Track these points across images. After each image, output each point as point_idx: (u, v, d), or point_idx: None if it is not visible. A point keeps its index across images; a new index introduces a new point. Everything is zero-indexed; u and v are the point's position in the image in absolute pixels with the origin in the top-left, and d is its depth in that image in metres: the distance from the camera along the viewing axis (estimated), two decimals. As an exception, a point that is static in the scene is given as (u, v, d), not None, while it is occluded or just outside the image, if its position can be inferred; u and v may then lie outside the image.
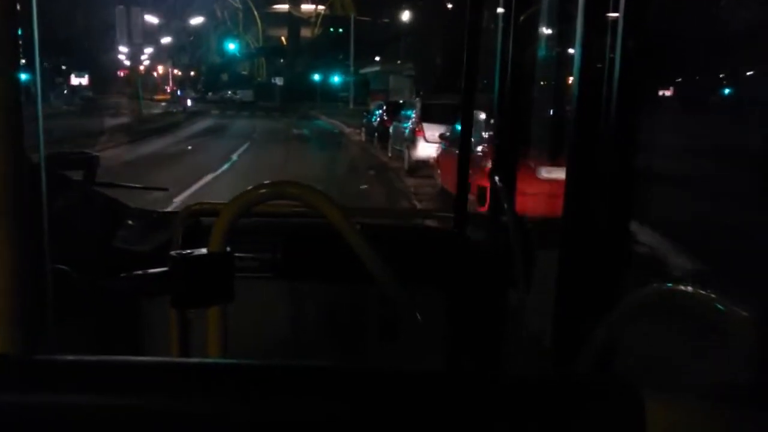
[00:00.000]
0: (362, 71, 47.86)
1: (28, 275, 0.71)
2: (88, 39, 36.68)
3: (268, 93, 56.49)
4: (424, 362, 1.57)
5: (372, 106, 25.56)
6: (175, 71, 72.15)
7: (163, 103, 44.42)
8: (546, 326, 1.24)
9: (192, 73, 73.27)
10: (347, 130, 27.39)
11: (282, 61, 65.34)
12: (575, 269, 1.21)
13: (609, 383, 0.64)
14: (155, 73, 72.38)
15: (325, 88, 54.29)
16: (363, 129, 23.38)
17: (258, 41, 69.28)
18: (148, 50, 53.45)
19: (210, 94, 66.48)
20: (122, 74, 47.85)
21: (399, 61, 41.44)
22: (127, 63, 45.77)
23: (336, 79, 53.55)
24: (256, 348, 1.89)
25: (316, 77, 48.82)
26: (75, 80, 38.88)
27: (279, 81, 54.59)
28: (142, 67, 65.62)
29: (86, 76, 41.36)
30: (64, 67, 40.09)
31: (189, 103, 43.70)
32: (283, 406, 0.62)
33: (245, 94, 60.52)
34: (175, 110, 37.97)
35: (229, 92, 63.60)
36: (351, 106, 46.35)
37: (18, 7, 0.70)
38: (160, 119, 30.45)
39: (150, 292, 1.38)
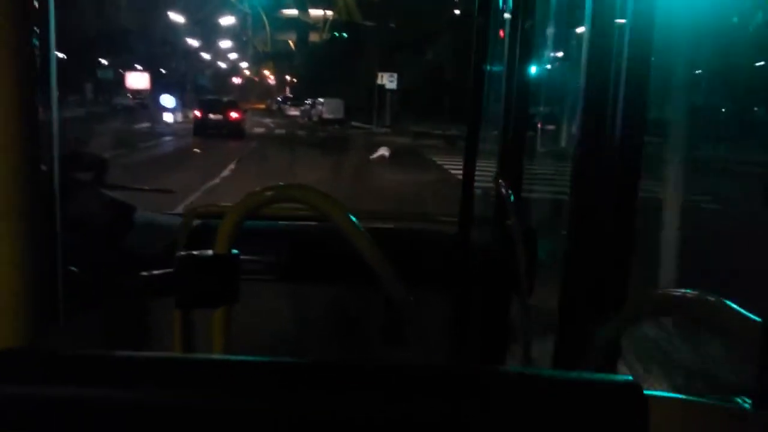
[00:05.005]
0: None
1: (41, 275, 0.72)
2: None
3: (373, 102, 32.07)
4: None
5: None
6: (288, 77, 67.56)
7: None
8: (550, 330, 1.24)
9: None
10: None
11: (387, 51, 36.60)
12: (580, 272, 1.21)
13: (612, 383, 0.64)
14: (269, 80, 69.87)
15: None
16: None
17: (267, 45, 68.98)
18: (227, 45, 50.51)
19: (288, 104, 46.51)
20: (239, 81, 45.50)
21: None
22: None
23: (533, 69, 7.84)
24: (260, 350, 1.89)
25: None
26: (132, 83, 28.23)
27: (390, 82, 29.84)
28: (248, 73, 63.56)
29: (145, 77, 29.86)
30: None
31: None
32: (286, 402, 0.62)
33: (332, 107, 34.51)
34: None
35: (309, 101, 40.45)
36: (563, 143, 17.06)
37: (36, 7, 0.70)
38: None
39: (155, 292, 1.38)
